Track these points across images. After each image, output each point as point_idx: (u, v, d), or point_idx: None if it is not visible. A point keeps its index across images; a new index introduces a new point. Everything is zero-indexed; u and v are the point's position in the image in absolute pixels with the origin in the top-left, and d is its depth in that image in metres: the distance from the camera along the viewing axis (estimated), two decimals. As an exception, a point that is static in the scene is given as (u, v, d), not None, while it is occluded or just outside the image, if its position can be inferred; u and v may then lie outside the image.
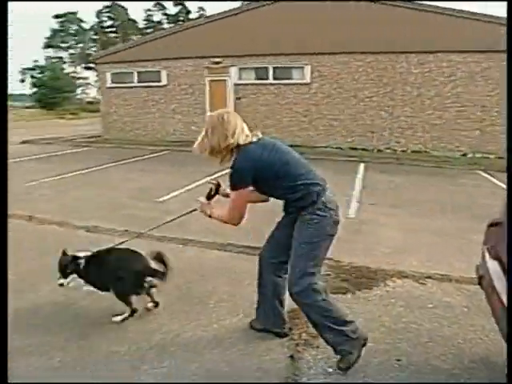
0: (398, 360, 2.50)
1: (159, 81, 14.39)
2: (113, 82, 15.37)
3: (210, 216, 2.63)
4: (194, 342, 2.65)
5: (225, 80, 13.74)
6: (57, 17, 54.04)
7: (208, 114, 2.58)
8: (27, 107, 51.72)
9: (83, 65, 53.43)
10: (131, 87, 15.05)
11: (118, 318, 2.87)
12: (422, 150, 12.37)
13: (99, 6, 66.02)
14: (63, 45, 54.78)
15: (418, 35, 11.55)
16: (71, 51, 55.49)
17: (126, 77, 15.11)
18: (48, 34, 54.89)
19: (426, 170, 10.24)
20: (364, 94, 12.69)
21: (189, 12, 57.39)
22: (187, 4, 58.21)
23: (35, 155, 11.87)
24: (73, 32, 55.01)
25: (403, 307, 3.15)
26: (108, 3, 54.96)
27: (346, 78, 12.75)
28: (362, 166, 10.32)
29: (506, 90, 12.48)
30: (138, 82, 14.95)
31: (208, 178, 2.70)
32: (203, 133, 2.47)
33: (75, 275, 2.90)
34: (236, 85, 13.69)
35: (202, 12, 55.58)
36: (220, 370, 2.38)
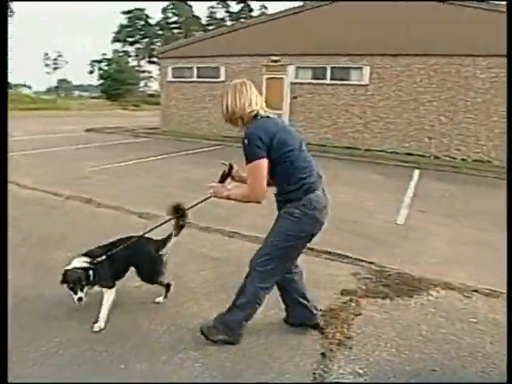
0: (433, 370, 2.45)
1: (218, 77, 14.72)
2: (173, 77, 15.93)
3: (228, 198, 2.53)
4: None
5: (282, 78, 13.80)
6: (125, 13, 56.67)
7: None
8: (93, 97, 54.76)
9: (147, 59, 55.71)
10: (190, 82, 15.52)
11: (160, 299, 3.05)
12: (484, 160, 11.73)
13: (166, 2, 68.23)
14: (130, 39, 57.37)
15: (487, 37, 10.94)
16: (137, 46, 57.95)
17: (186, 72, 15.60)
18: (116, 29, 57.69)
19: (485, 180, 9.72)
20: (424, 98, 12.24)
21: (251, 10, 58.03)
22: (250, 2, 58.63)
23: (98, 143, 12.61)
24: (139, 27, 57.46)
25: (444, 318, 3.07)
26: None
27: (405, 80, 12.35)
28: (416, 172, 9.99)
29: (506, 93, 11.32)
30: (197, 77, 15.39)
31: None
32: (228, 96, 2.47)
33: (88, 286, 2.73)
34: (293, 83, 13.71)
35: (263, 10, 55.99)
36: (252, 358, 2.47)
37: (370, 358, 2.53)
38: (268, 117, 2.45)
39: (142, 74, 57.26)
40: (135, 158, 9.83)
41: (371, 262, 4.06)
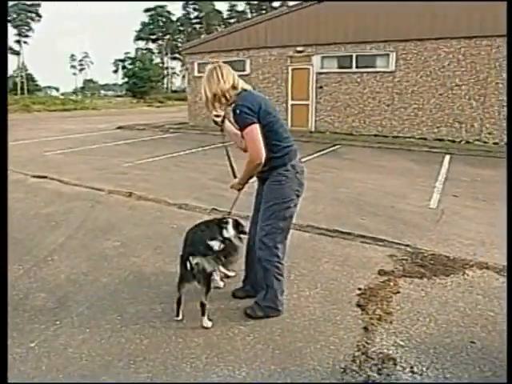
0: (472, 342, 2.57)
1: (243, 70, 14.87)
2: (199, 72, 16.17)
3: (242, 183, 2.83)
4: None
5: (307, 69, 13.82)
6: (147, 10, 57.41)
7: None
8: (118, 96, 55.86)
9: (170, 55, 56.35)
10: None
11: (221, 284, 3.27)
12: (518, 142, 11.46)
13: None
14: (152, 37, 58.14)
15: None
16: (159, 42, 58.66)
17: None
18: (138, 27, 58.51)
19: (519, 163, 9.53)
20: (453, 83, 12.02)
21: (272, 1, 57.69)
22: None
23: (130, 139, 13.02)
24: (161, 24, 58.14)
25: (481, 296, 3.16)
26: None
27: (433, 65, 12.16)
28: (447, 157, 9.89)
29: (506, 88, 11.25)
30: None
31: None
32: (205, 81, 2.71)
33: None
34: (318, 73, 13.71)
35: (284, 1, 55.53)
36: (299, 332, 2.65)
37: (410, 332, 2.67)
38: (250, 91, 2.71)
39: (166, 71, 57.95)
40: (168, 153, 10.14)
41: (407, 245, 4.17)
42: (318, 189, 6.49)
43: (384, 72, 12.73)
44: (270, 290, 2.81)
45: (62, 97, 48.28)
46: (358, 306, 2.99)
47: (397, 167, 8.57)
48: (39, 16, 43.85)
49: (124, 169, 8.24)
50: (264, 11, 46.71)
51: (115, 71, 58.15)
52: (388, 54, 12.61)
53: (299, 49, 13.72)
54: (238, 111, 2.56)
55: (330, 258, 3.86)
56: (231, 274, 3.37)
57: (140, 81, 45.13)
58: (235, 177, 2.93)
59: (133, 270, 3.61)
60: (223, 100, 2.69)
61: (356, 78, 13.18)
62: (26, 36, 44.00)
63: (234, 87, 2.66)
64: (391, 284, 3.33)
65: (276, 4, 54.88)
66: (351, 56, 13.15)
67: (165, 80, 58.37)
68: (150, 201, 5.91)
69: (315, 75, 13.73)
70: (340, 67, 13.45)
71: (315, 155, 9.76)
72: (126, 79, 47.69)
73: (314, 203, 5.70)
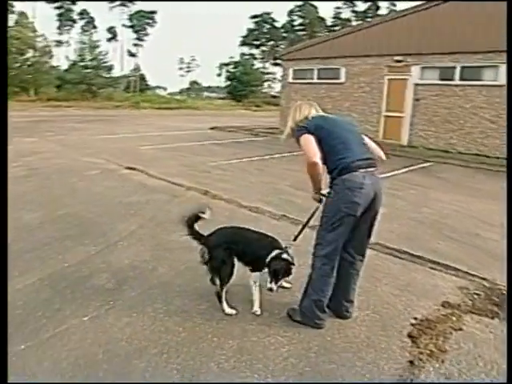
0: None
1: (338, 78, 14.62)
2: (294, 78, 16.27)
3: (316, 191, 2.90)
4: (329, 323, 2.83)
5: (405, 79, 13.13)
6: (253, 17, 59.35)
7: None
8: (220, 98, 58.52)
9: (272, 61, 57.57)
10: (311, 83, 15.69)
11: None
12: None
13: (291, 5, 69.51)
14: (256, 42, 59.94)
15: None
16: (263, 48, 60.27)
17: (307, 73, 15.81)
18: (244, 33, 60.74)
19: None
20: None
21: (378, 8, 55.96)
22: (377, 1, 56.42)
23: (220, 140, 13.56)
24: (265, 31, 59.69)
25: None
26: (300, 2, 57.56)
27: (554, 80, 10.75)
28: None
29: (506, 92, 10.16)
30: (318, 79, 15.48)
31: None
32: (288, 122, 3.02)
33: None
34: (416, 85, 12.94)
35: (392, 8, 53.56)
36: (336, 353, 2.51)
37: (463, 376, 2.38)
38: (315, 116, 2.92)
39: (267, 76, 59.33)
40: (252, 156, 10.36)
41: (483, 278, 3.73)
42: (397, 206, 6.12)
43: (491, 85, 11.56)
44: (307, 299, 2.80)
45: (168, 96, 51.97)
46: (410, 336, 2.74)
47: (492, 191, 7.73)
48: (155, 22, 47.90)
49: (208, 168, 8.59)
50: (370, 19, 45.51)
51: (219, 74, 61.02)
52: (497, 66, 11.44)
53: (398, 58, 13.08)
54: (296, 133, 2.86)
55: (392, 280, 3.61)
56: (287, 285, 3.31)
57: (240, 84, 46.84)
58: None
59: (190, 265, 3.72)
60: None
61: (458, 91, 12.18)
62: (142, 40, 48.28)
63: (306, 118, 2.91)
64: (454, 319, 3.01)
65: (383, 12, 53.22)
66: (454, 67, 12.18)
67: (265, 85, 59.78)
68: (223, 200, 6.07)
69: (413, 86, 12.96)
70: (441, 79, 12.54)
71: (402, 171, 9.22)
72: (228, 82, 49.83)
73: (389, 221, 5.38)
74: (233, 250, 3.01)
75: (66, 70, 35.20)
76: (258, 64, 59.16)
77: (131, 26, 46.08)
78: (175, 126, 18.50)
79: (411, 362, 2.47)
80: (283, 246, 2.97)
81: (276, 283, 2.80)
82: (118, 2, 44.24)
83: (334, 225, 2.66)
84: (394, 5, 54.47)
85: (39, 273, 3.41)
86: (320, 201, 2.91)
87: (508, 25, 3.55)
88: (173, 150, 10.74)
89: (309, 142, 2.70)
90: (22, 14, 31.63)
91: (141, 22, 46.31)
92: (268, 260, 2.83)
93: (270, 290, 2.80)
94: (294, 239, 2.95)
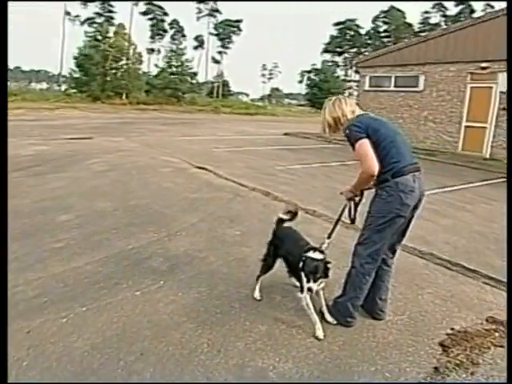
0: None
1: (416, 86, 14.11)
2: (370, 86, 15.99)
3: (353, 192, 2.94)
4: (359, 323, 2.91)
5: (489, 87, 12.31)
6: (337, 24, 58.82)
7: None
8: (300, 105, 58.83)
9: (354, 68, 56.61)
10: (387, 91, 15.32)
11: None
12: None
13: (377, 11, 67.73)
14: (338, 49, 59.35)
15: None
16: (345, 55, 59.50)
17: (384, 81, 15.46)
18: (327, 40, 60.45)
19: None
20: None
21: (473, 11, 52.35)
22: (472, 2, 52.47)
23: (291, 145, 13.77)
24: (349, 38, 58.83)
25: None
26: (385, 8, 55.92)
27: None
28: None
29: (507, 92, 10.37)
30: (395, 87, 15.06)
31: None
32: (326, 113, 2.98)
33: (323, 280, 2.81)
34: (503, 93, 12.07)
35: (488, 10, 49.79)
36: (360, 350, 2.59)
37: (490, 388, 2.33)
38: (362, 114, 2.89)
39: (349, 84, 58.45)
40: (321, 162, 10.43)
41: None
42: (463, 219, 5.86)
43: None
44: (345, 297, 2.88)
45: (249, 102, 53.45)
46: (441, 345, 2.71)
47: None
48: (240, 30, 49.65)
49: (274, 171, 8.84)
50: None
51: (300, 81, 61.36)
52: None
53: (484, 65, 12.29)
54: (347, 130, 2.78)
55: (436, 290, 3.54)
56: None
57: (320, 92, 46.74)
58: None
59: (238, 257, 3.98)
60: (342, 122, 2.91)
61: (552, 101, 11.15)
62: (227, 48, 50.31)
63: (352, 112, 2.91)
64: (496, 335, 2.89)
65: (477, 15, 49.60)
66: (549, 75, 11.18)
67: (346, 93, 58.97)
68: (283, 202, 6.27)
69: (499, 95, 12.11)
70: (533, 87, 11.57)
71: (476, 184, 8.69)
72: (308, 90, 49.95)
73: (449, 232, 5.21)
74: (278, 248, 3.19)
75: (154, 76, 37.92)
76: (340, 72, 58.56)
77: (217, 35, 48.36)
78: (251, 130, 19.09)
79: (436, 369, 2.46)
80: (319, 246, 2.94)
81: (315, 282, 2.69)
82: (205, 12, 46.65)
83: (382, 225, 2.74)
84: (492, 6, 50.50)
85: (106, 252, 3.89)
86: (351, 199, 2.98)
87: (508, 25, 3.34)
88: (243, 153, 11.17)
89: (368, 149, 2.66)
90: (120, 25, 34.73)
91: (226, 31, 48.38)
92: (302, 259, 2.76)
93: (309, 290, 2.70)
94: (329, 236, 3.05)
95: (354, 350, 2.58)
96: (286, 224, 3.31)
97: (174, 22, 45.54)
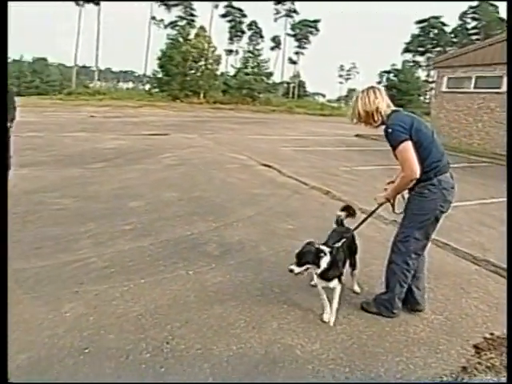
0: None
1: (498, 87, 13.20)
2: (447, 87, 15.23)
3: (390, 198, 2.94)
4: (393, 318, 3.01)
5: None
6: (419, 22, 55.85)
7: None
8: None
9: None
10: (466, 92, 14.50)
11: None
12: None
13: (464, 7, 63.31)
14: (420, 49, 56.42)
15: None
16: (428, 55, 56.49)
17: (463, 82, 14.63)
18: (408, 39, 57.65)
19: None
20: None
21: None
22: None
23: (360, 147, 13.63)
24: (432, 36, 55.68)
25: None
26: (475, 3, 51.97)
27: None
28: None
29: (507, 91, 10.07)
30: (474, 88, 14.20)
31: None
32: (359, 101, 2.86)
33: (310, 266, 2.80)
34: None
35: None
36: (389, 342, 2.68)
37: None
38: (400, 111, 2.85)
39: (431, 85, 55.41)
40: (386, 164, 10.12)
41: None
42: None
43: None
44: (390, 293, 2.97)
45: (325, 103, 52.96)
46: (475, 347, 2.70)
47: None
48: (317, 30, 49.30)
49: (338, 171, 8.89)
50: None
51: (379, 82, 59.33)
52: None
53: None
54: (390, 130, 2.73)
55: (482, 295, 3.47)
56: (357, 290, 3.37)
57: (398, 93, 44.95)
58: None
59: (287, 249, 4.19)
60: (375, 117, 2.84)
61: None
62: (304, 48, 50.30)
63: (388, 106, 2.85)
64: (541, 345, 2.81)
65: None
66: None
67: (427, 94, 56.01)
68: (342, 201, 6.34)
69: None
70: None
71: None
72: (386, 91, 48.11)
73: (513, 241, 4.96)
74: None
75: (232, 77, 39.16)
76: (421, 72, 55.72)
77: (294, 35, 48.60)
78: (321, 131, 19.09)
79: (464, 368, 2.48)
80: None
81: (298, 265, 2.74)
82: (283, 13, 47.18)
83: (424, 222, 2.84)
84: None
85: (168, 235, 4.32)
86: (382, 204, 3.03)
87: (508, 25, 3.09)
88: (310, 153, 11.30)
89: (411, 153, 2.66)
90: (201, 28, 36.41)
91: (303, 31, 48.43)
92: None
93: (290, 271, 2.74)
94: (355, 229, 3.17)
95: (382, 341, 2.68)
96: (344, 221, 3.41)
97: (253, 24, 46.63)
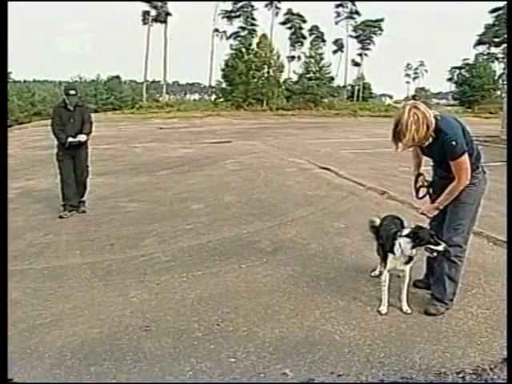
0: None
1: None
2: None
3: (444, 205, 2.96)
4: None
5: None
6: (494, 10, 51.95)
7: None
8: (449, 105, 54.05)
9: (516, 60, 49.62)
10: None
11: (375, 273, 3.55)
12: None
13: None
14: (496, 40, 52.48)
15: None
16: (504, 46, 52.48)
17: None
18: (481, 30, 53.96)
19: None
20: None
21: None
22: None
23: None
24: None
25: None
26: None
27: None
28: None
29: (507, 87, 10.95)
30: (554, 79, 13.11)
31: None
32: (412, 127, 2.72)
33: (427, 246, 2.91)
34: None
35: None
36: (429, 332, 2.74)
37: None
38: (442, 117, 2.82)
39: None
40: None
41: None
42: None
43: None
44: (455, 285, 3.03)
45: (391, 104, 51.21)
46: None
47: None
48: (381, 30, 47.89)
49: (397, 172, 8.75)
50: None
51: (450, 79, 56.13)
52: None
53: None
54: (454, 143, 2.73)
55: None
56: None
57: (470, 89, 42.40)
58: (417, 193, 3.32)
59: (337, 246, 4.37)
60: (430, 134, 2.77)
61: None
62: (368, 49, 49.14)
63: (431, 115, 2.73)
64: None
65: None
66: None
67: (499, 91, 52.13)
68: (397, 201, 6.33)
69: None
70: None
71: None
72: (456, 87, 45.70)
73: None
74: None
75: (294, 83, 39.41)
76: (499, 65, 51.82)
77: (356, 37, 47.68)
78: (383, 133, 18.40)
79: (505, 359, 2.49)
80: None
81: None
82: (344, 15, 46.50)
83: (476, 211, 3.01)
84: None
85: (225, 234, 4.69)
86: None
87: (508, 25, 2.86)
88: (369, 155, 11.19)
89: (468, 165, 2.79)
90: (263, 36, 37.15)
91: (366, 32, 47.37)
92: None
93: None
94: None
95: (421, 331, 2.76)
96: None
97: (314, 28, 46.53)
